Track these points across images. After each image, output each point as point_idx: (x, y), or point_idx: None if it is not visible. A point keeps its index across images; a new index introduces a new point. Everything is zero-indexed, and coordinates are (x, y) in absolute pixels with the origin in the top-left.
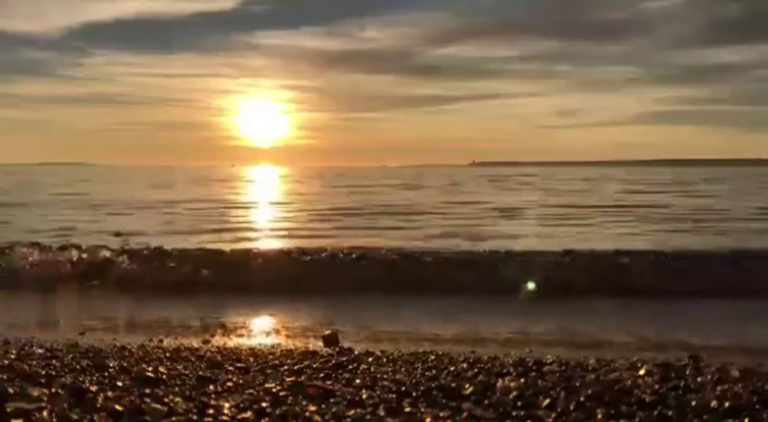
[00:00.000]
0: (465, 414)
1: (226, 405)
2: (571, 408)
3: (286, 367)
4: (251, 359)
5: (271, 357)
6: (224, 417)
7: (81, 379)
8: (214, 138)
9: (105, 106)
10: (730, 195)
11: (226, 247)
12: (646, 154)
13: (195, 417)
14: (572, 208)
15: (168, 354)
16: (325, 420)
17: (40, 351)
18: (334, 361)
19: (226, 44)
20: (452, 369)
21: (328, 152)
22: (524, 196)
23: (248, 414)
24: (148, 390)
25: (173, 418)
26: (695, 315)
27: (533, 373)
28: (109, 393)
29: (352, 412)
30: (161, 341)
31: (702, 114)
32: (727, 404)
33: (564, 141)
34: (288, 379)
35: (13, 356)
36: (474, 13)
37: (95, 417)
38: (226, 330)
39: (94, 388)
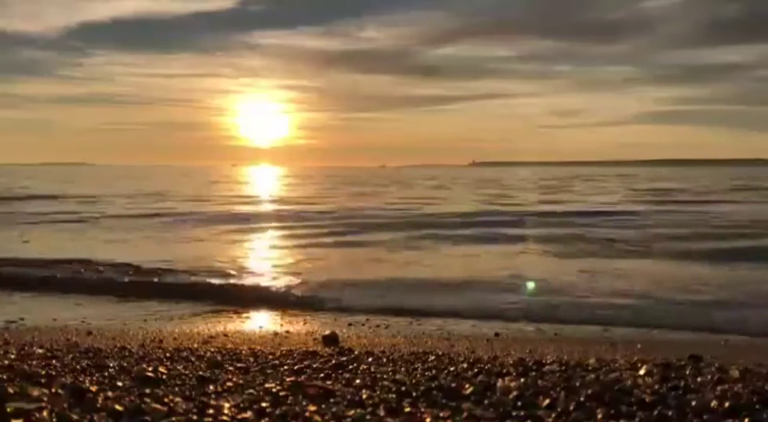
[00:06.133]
0: (465, 414)
1: (226, 405)
2: (571, 408)
3: (286, 367)
4: (251, 359)
5: (271, 357)
6: (224, 417)
7: (81, 379)
8: (214, 138)
9: (104, 106)
10: None
11: None
12: (646, 153)
13: (195, 417)
14: None
15: (168, 354)
16: (325, 420)
17: (40, 351)
18: (334, 361)
19: (224, 44)
20: (452, 369)
21: (328, 152)
22: None
23: (248, 414)
24: (148, 390)
25: (173, 418)
26: None
27: (533, 373)
28: (109, 393)
29: (352, 412)
30: (161, 341)
31: (702, 114)
32: (727, 404)
33: (564, 141)
34: (288, 379)
35: (13, 356)
36: (473, 13)
37: (95, 417)
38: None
39: (94, 388)
